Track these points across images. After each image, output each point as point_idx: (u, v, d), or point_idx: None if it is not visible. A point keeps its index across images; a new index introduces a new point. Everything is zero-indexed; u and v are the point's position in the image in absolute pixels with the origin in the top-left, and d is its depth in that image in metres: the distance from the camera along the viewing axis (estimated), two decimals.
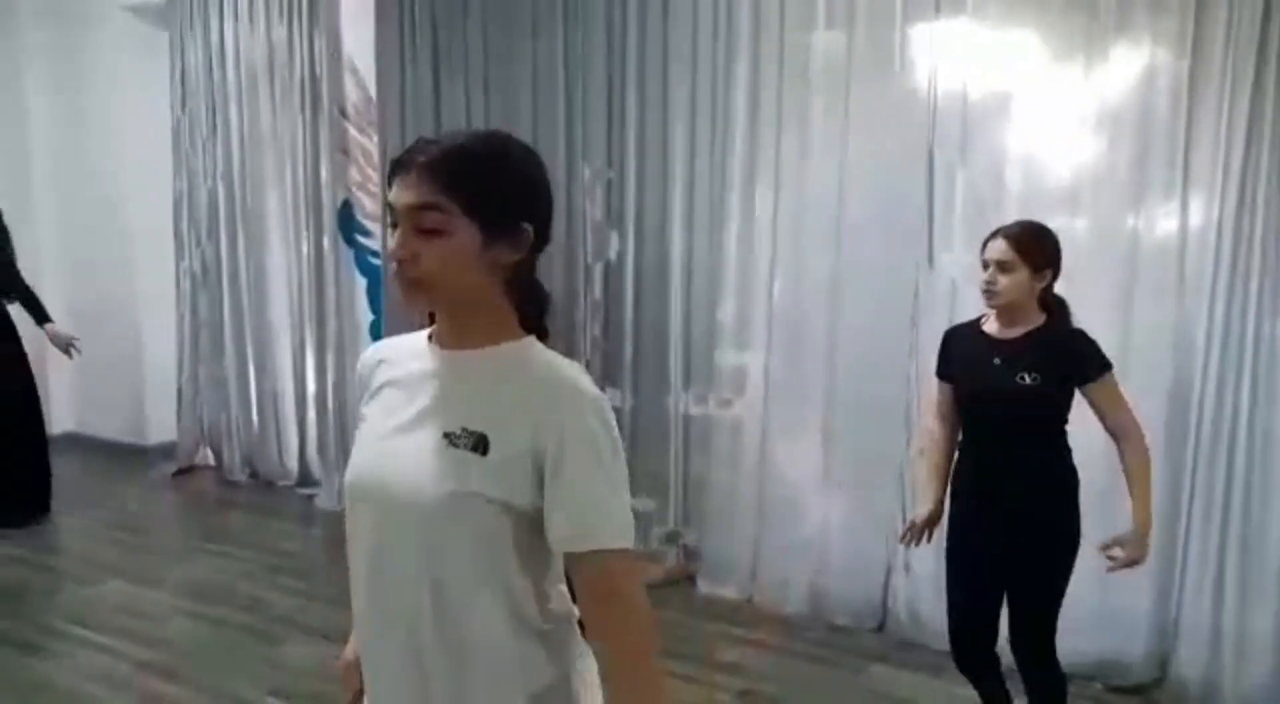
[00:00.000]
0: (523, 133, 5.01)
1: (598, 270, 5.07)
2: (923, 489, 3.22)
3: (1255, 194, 3.53)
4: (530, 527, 1.40)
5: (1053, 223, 3.87)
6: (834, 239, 4.32)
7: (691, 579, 4.81)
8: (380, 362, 1.57)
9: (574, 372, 1.43)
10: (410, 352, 1.53)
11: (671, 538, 4.93)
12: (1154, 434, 3.70)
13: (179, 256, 6.67)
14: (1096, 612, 3.79)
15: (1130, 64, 3.72)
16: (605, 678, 1.42)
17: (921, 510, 3.14)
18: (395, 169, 1.40)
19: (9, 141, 7.14)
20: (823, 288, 4.38)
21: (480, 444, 1.37)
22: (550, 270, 5.10)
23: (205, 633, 4.32)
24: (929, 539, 3.16)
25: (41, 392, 7.33)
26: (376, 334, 5.93)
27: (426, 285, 1.38)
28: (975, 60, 3.99)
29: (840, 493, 4.39)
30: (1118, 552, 2.83)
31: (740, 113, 4.54)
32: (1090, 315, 3.70)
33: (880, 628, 4.33)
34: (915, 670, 3.94)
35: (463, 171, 1.37)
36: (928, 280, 4.12)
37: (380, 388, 1.54)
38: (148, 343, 7.06)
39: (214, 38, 6.34)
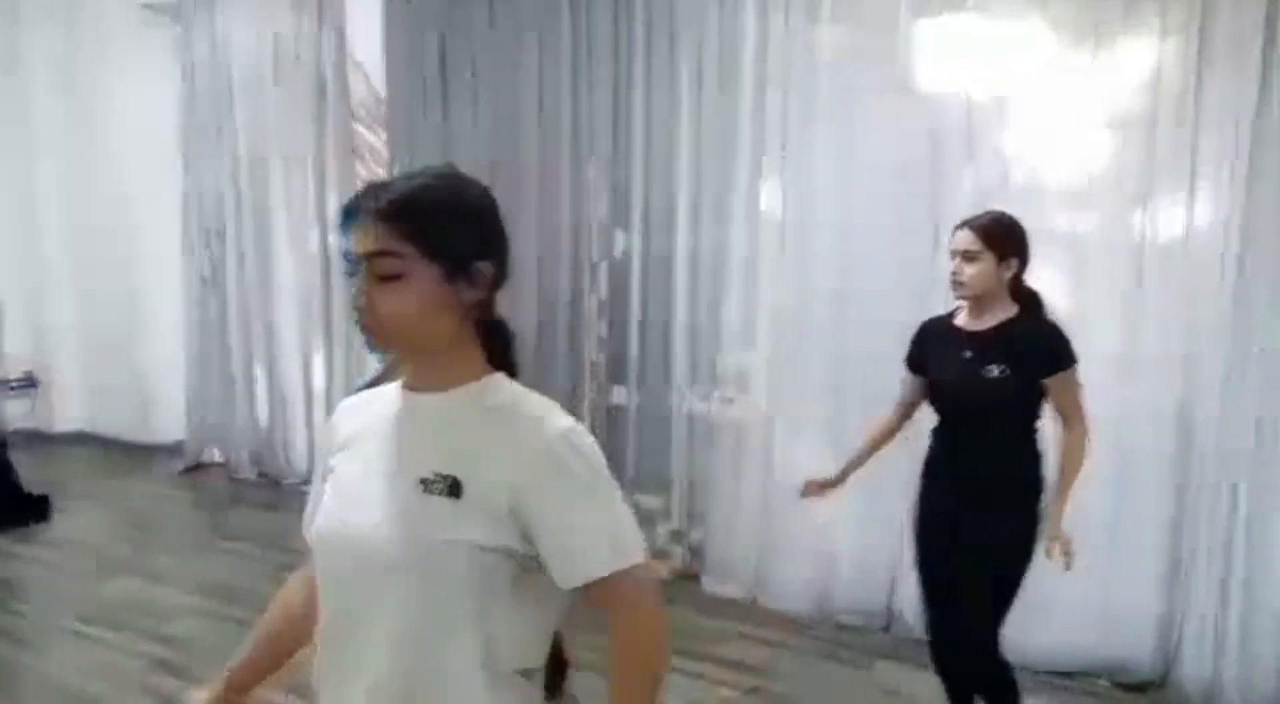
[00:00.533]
0: (529, 130, 5.03)
1: (603, 268, 5.07)
2: (844, 461, 3.29)
3: (1264, 191, 3.51)
4: (510, 569, 1.37)
5: (1059, 219, 3.87)
6: (840, 236, 4.32)
7: (696, 577, 4.81)
8: (350, 413, 1.54)
9: (543, 406, 1.41)
10: (381, 400, 1.50)
11: (676, 536, 4.94)
12: (1161, 433, 3.72)
13: (186, 255, 6.69)
14: (1104, 610, 3.80)
15: (1137, 59, 3.70)
16: (610, 681, 1.39)
17: (830, 473, 3.26)
18: (348, 216, 1.37)
19: (16, 140, 7.18)
20: (828, 285, 4.37)
21: (454, 488, 1.34)
22: (556, 268, 5.11)
23: (213, 630, 4.33)
24: (818, 495, 3.29)
25: (48, 389, 7.40)
26: None
27: (389, 332, 1.37)
28: (981, 55, 3.98)
29: (845, 492, 4.38)
30: (1056, 551, 2.80)
31: (746, 109, 4.54)
32: (1096, 317, 3.70)
33: (887, 628, 4.32)
34: (922, 668, 3.92)
35: (417, 215, 1.35)
36: (933, 278, 4.10)
37: (350, 438, 1.50)
38: (156, 341, 7.10)
39: (221, 35, 6.35)
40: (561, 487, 1.35)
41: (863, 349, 4.25)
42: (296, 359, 6.46)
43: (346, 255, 1.38)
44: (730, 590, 4.68)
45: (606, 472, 1.40)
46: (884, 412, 3.26)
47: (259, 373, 6.59)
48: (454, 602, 1.35)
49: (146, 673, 3.92)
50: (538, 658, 1.45)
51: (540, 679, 1.47)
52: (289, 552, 5.19)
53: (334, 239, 6.01)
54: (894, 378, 3.22)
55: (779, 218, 4.51)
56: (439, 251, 1.35)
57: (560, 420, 1.39)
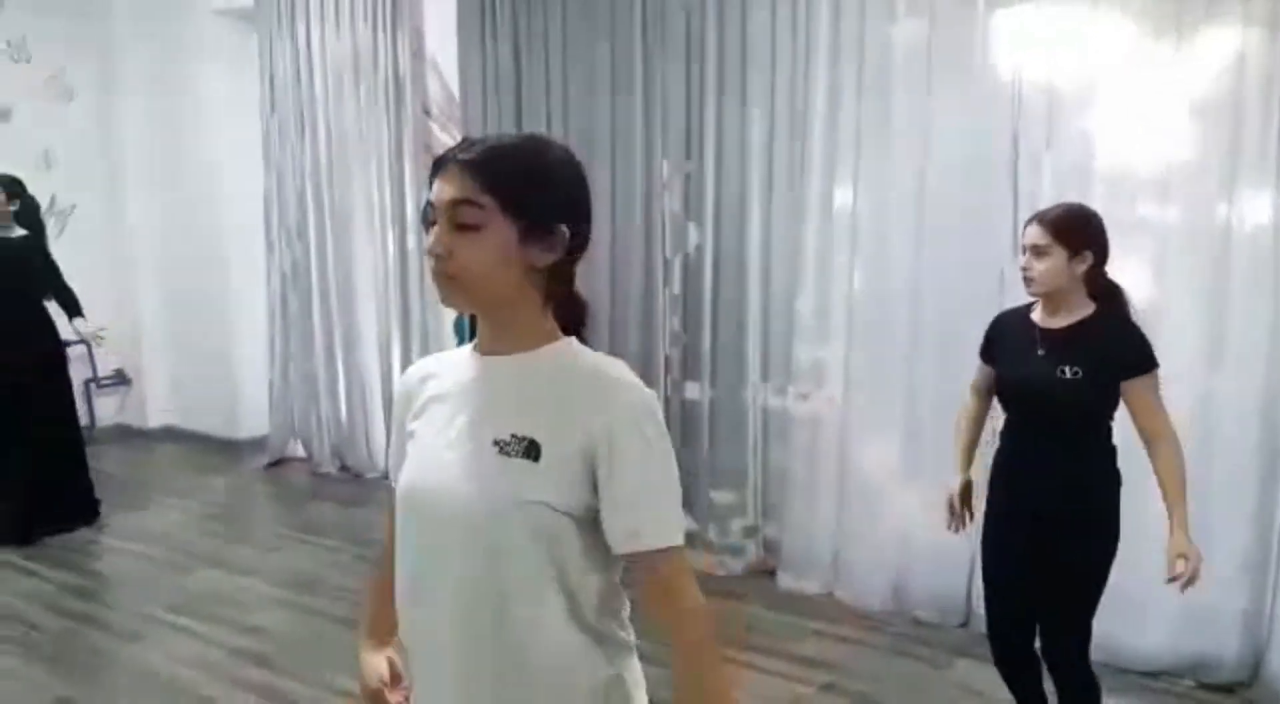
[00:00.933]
0: (603, 127, 5.06)
1: (677, 263, 5.08)
2: (955, 464, 3.17)
3: None
4: (588, 528, 1.40)
5: (1141, 211, 3.78)
6: (916, 230, 4.27)
7: (771, 573, 4.81)
8: (425, 377, 1.56)
9: (620, 370, 1.43)
10: (455, 364, 1.53)
11: (750, 531, 4.93)
12: (1246, 427, 3.64)
13: (269, 254, 6.84)
14: (1189, 609, 3.71)
15: (1220, 48, 3.61)
16: (674, 672, 1.42)
17: (954, 485, 3.13)
18: (436, 167, 1.40)
19: (103, 142, 7.39)
20: (904, 279, 4.33)
21: (532, 450, 1.37)
22: (629, 263, 5.14)
23: (297, 622, 4.43)
24: (971, 517, 3.14)
25: (139, 386, 7.61)
26: (460, 329, 6.02)
27: (460, 281, 1.38)
28: (1059, 46, 3.90)
29: (921, 486, 4.34)
30: (1180, 566, 2.67)
31: (819, 104, 4.50)
32: (1180, 308, 3.61)
33: (965, 624, 4.28)
34: None
35: (500, 170, 1.36)
36: (1012, 272, 4.04)
37: (427, 402, 1.52)
38: (240, 339, 7.27)
39: (301, 40, 6.47)
40: (637, 457, 1.37)
41: (938, 344, 4.21)
42: (376, 355, 6.56)
43: (430, 204, 1.40)
44: (805, 586, 4.66)
45: (671, 448, 1.42)
46: (963, 403, 3.20)
47: (340, 369, 6.70)
48: (534, 560, 1.38)
49: (234, 662, 4.02)
50: (619, 603, 1.49)
51: (619, 629, 1.50)
52: (370, 545, 5.30)
53: (411, 239, 6.10)
54: (969, 373, 3.19)
55: (853, 211, 4.46)
56: (518, 209, 1.37)
57: (639, 386, 1.41)
